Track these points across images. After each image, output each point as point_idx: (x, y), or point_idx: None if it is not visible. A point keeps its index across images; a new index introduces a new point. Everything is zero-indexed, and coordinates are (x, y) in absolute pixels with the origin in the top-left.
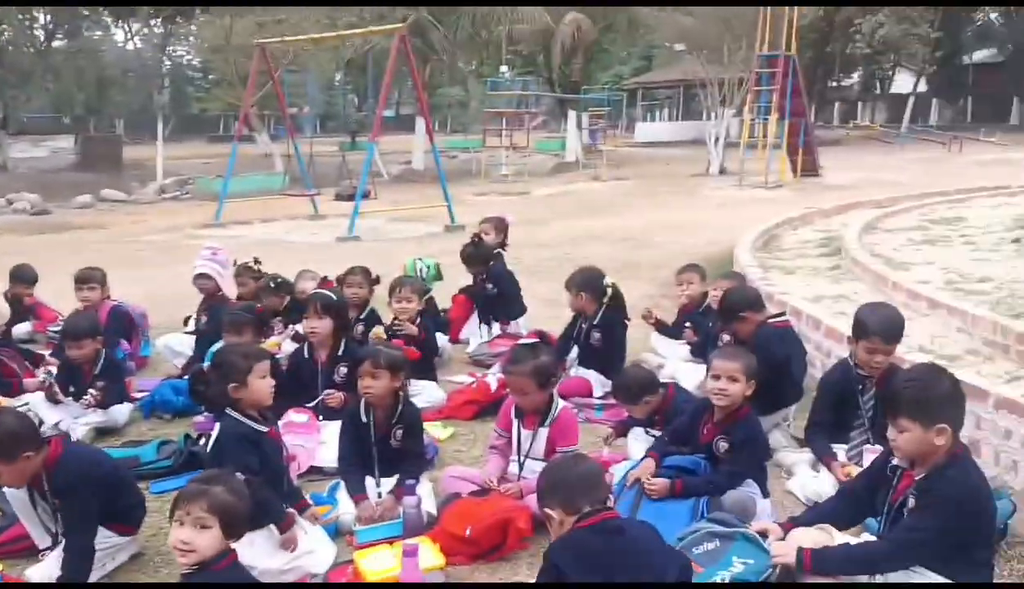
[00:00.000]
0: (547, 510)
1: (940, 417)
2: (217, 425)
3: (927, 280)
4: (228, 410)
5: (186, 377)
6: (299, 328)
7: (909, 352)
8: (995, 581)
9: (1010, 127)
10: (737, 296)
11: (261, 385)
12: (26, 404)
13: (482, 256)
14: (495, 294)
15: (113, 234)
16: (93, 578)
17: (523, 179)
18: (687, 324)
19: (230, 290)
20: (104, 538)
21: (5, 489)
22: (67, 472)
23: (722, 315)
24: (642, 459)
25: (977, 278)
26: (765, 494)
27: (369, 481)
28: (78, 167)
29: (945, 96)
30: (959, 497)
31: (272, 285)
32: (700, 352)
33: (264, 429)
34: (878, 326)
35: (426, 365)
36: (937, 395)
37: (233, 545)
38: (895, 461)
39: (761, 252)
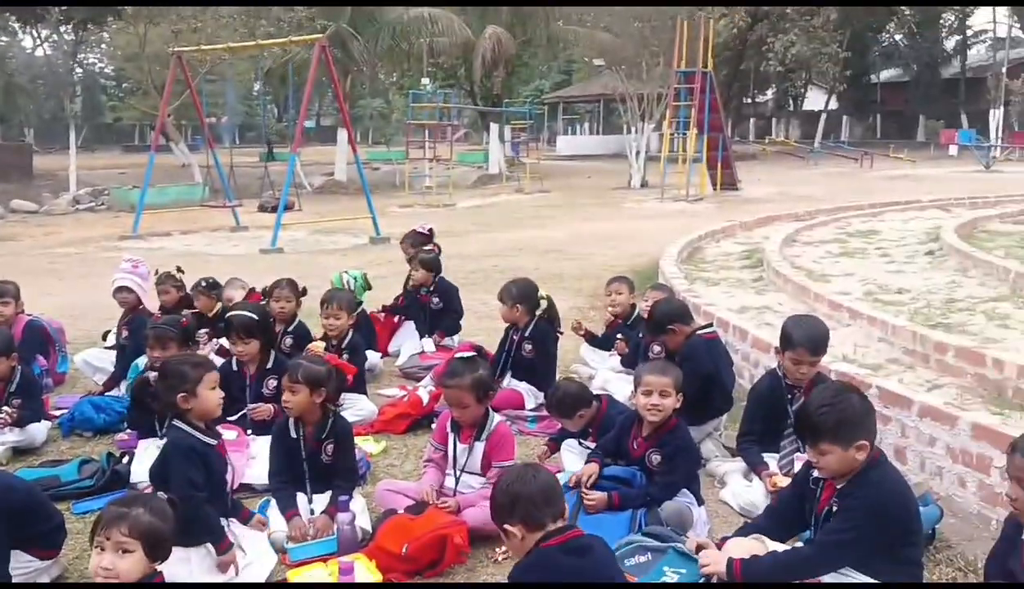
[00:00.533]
0: (508, 527)
1: (858, 435)
2: (139, 443)
3: (847, 291)
4: (176, 421)
5: (107, 393)
6: (224, 342)
7: (834, 362)
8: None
9: (917, 144)
10: (665, 309)
11: (210, 396)
12: None
13: (439, 264)
14: (440, 308)
15: (25, 246)
16: None
17: (447, 191)
18: (618, 336)
19: (151, 303)
20: (24, 563)
21: None
22: None
23: (651, 328)
24: (586, 465)
25: (895, 289)
26: (700, 502)
27: (301, 497)
28: None
29: (855, 113)
30: (880, 497)
31: (204, 284)
32: (630, 363)
33: (213, 442)
34: (804, 338)
35: (357, 379)
36: (851, 415)
37: (162, 567)
38: (816, 473)
39: (685, 264)
